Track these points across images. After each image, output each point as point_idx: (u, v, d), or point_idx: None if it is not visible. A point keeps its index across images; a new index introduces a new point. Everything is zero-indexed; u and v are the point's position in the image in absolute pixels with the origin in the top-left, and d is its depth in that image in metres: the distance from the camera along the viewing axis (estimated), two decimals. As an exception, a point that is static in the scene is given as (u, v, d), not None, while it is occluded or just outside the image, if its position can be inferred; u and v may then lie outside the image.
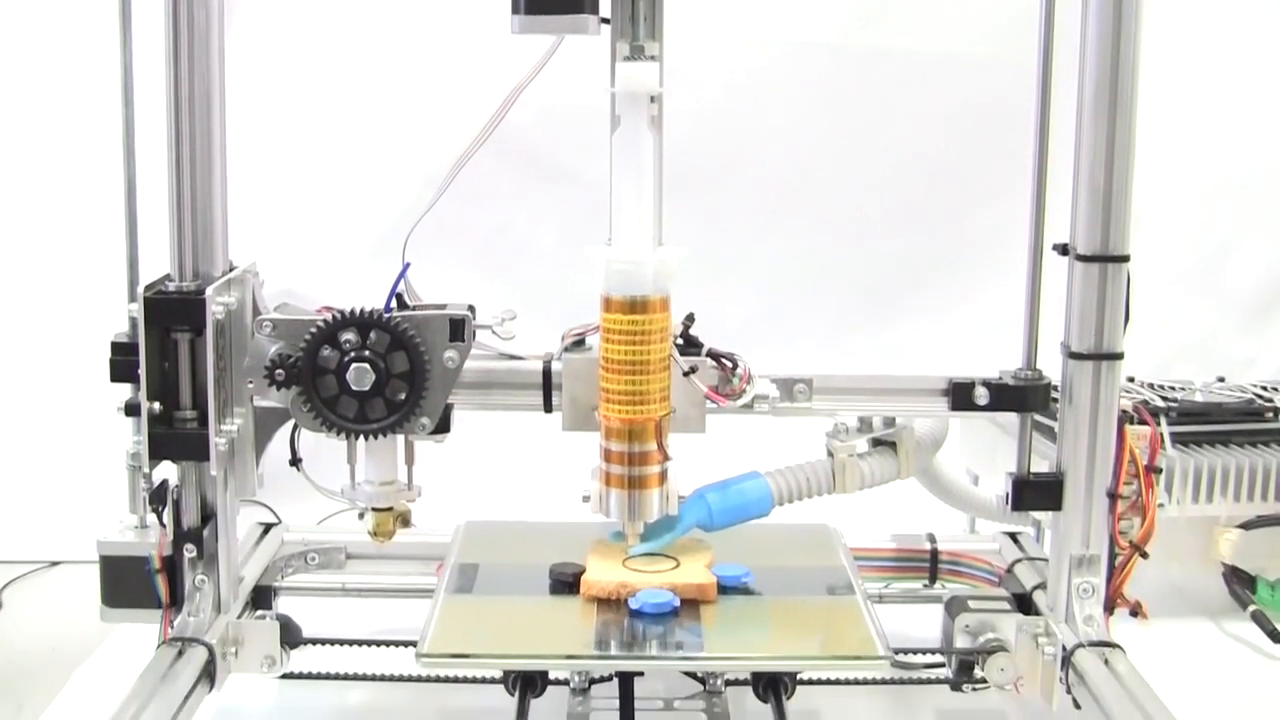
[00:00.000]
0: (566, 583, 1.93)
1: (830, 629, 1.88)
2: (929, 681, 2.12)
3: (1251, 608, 2.39)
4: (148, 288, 1.84)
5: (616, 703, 1.87)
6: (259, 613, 2.07)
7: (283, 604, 2.15)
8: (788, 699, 1.91)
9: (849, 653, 1.83)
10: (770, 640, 1.87)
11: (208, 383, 1.83)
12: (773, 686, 1.92)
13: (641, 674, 1.96)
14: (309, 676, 2.07)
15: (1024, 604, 2.06)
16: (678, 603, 1.87)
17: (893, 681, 2.14)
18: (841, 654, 1.84)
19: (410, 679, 2.08)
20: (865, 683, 2.10)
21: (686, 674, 2.02)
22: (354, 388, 1.83)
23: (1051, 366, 1.97)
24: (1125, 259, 1.89)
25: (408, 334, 1.83)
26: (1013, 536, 2.28)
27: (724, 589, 1.92)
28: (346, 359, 1.82)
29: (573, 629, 1.85)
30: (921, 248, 3.13)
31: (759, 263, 3.11)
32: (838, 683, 2.08)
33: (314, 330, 1.83)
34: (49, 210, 2.99)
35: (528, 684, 1.93)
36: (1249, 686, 2.26)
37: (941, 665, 2.07)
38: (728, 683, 1.98)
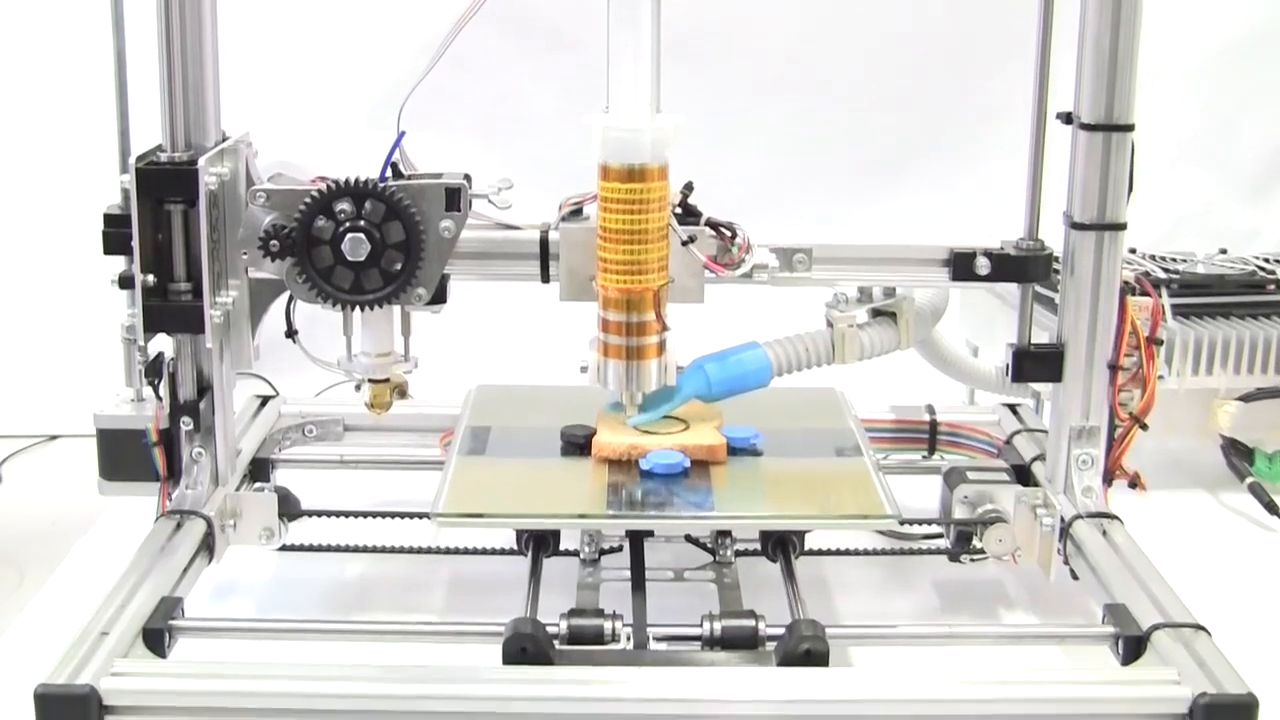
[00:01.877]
0: (578, 445, 1.95)
1: (839, 490, 1.89)
2: (927, 552, 2.13)
3: (1249, 480, 2.40)
4: (139, 158, 1.82)
5: (627, 573, 1.88)
6: (257, 485, 2.07)
7: (281, 476, 2.15)
8: (796, 559, 1.92)
9: (857, 512, 1.84)
10: (779, 500, 1.88)
11: (201, 254, 1.82)
12: (781, 546, 1.94)
13: (652, 533, 1.98)
14: (307, 549, 2.07)
15: (1023, 475, 2.06)
16: (688, 464, 1.88)
17: (891, 552, 2.15)
18: (850, 513, 1.86)
19: (408, 550, 2.08)
20: (864, 553, 2.11)
21: (696, 544, 2.03)
22: (349, 258, 1.81)
23: (1053, 237, 1.96)
24: (1130, 128, 1.88)
25: (403, 203, 1.81)
26: (1012, 408, 2.29)
27: (733, 450, 1.93)
28: (341, 229, 1.81)
29: (584, 490, 1.86)
30: (924, 116, 3.10)
31: (759, 131, 3.08)
32: (837, 552, 2.08)
33: (308, 200, 1.81)
34: (39, 80, 2.95)
35: (540, 544, 1.95)
36: (1245, 558, 2.27)
37: (939, 536, 2.08)
38: (737, 553, 1.99)
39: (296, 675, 1.60)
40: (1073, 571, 1.90)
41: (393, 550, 2.08)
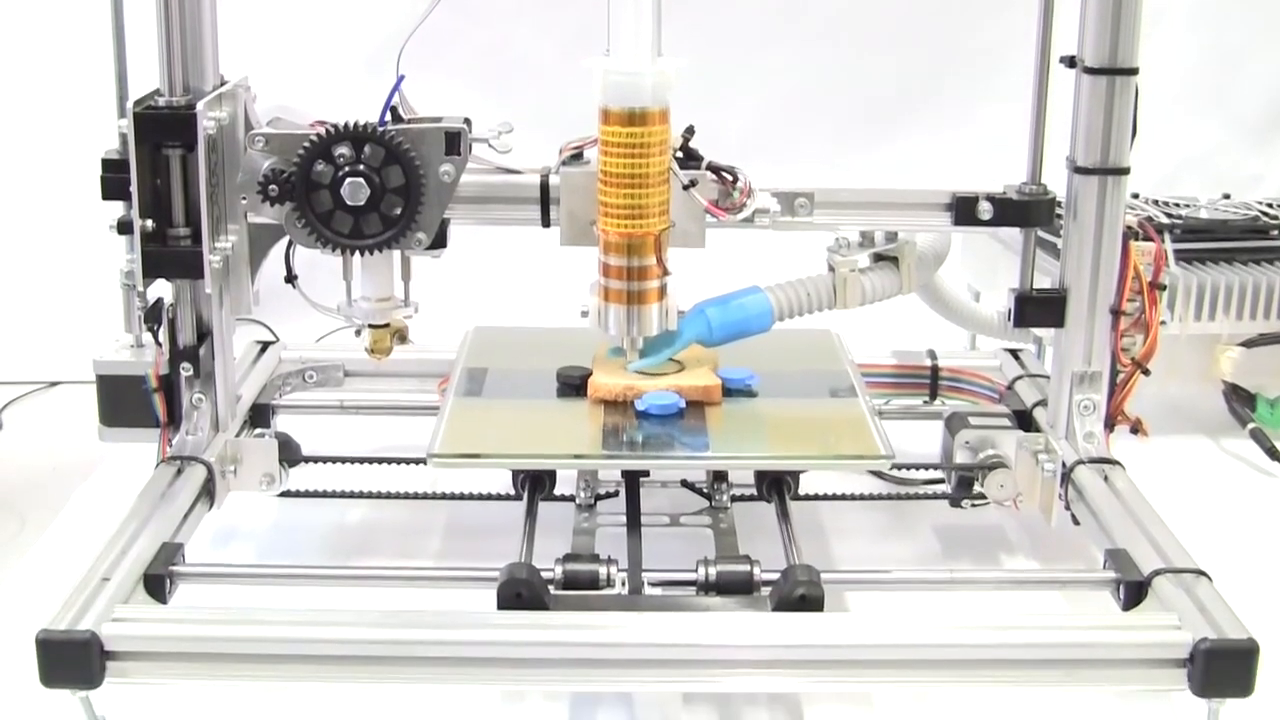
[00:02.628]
0: (573, 386, 1.94)
1: (833, 430, 1.88)
2: (928, 497, 2.13)
3: (1250, 425, 2.40)
4: (137, 103, 1.81)
5: (623, 519, 1.88)
6: (257, 431, 2.07)
7: (281, 422, 2.15)
8: (790, 499, 1.93)
9: (851, 453, 1.84)
10: (774, 441, 1.88)
11: (200, 199, 1.81)
12: (776, 487, 1.95)
13: (648, 474, 1.98)
14: (308, 494, 2.08)
15: (1024, 421, 2.06)
16: (683, 404, 1.88)
17: (892, 496, 2.15)
18: (845, 454, 1.85)
19: (409, 496, 2.09)
20: (865, 497, 2.11)
21: (692, 489, 2.03)
22: (349, 203, 1.80)
23: (1056, 181, 1.94)
24: (1134, 71, 1.86)
25: (403, 147, 1.80)
26: (1014, 353, 2.28)
27: (729, 392, 1.92)
28: (341, 173, 1.79)
29: (580, 430, 1.86)
30: (926, 61, 3.08)
31: (760, 75, 3.06)
32: (838, 497, 2.08)
33: (307, 145, 1.80)
34: (37, 24, 2.94)
35: (536, 485, 1.95)
36: (1246, 503, 2.27)
37: (941, 481, 2.09)
38: (733, 498, 1.98)
39: (296, 621, 1.60)
40: (1074, 516, 1.90)
41: (392, 496, 2.08)
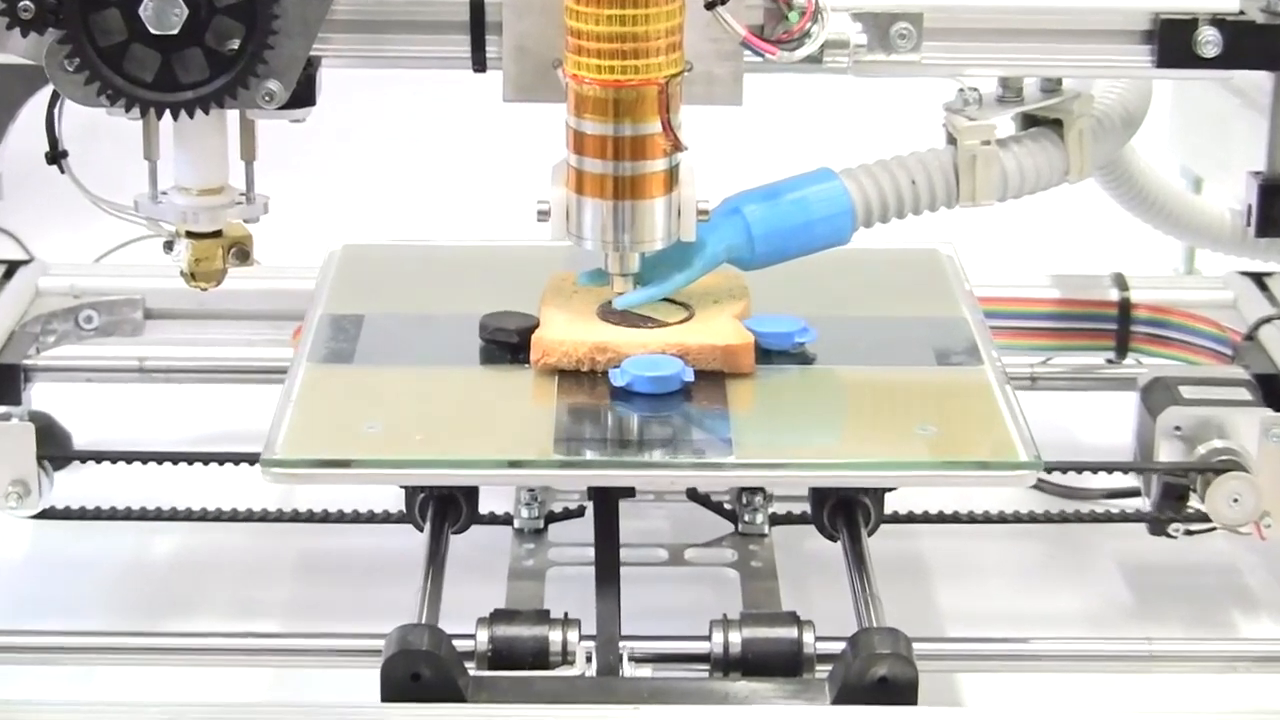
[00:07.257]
0: (508, 344, 1.95)
1: (940, 420, 1.87)
2: (1112, 519, 2.15)
3: None
4: None
5: (589, 553, 1.90)
6: (1, 410, 2.08)
7: (40, 395, 2.18)
8: (868, 533, 1.95)
9: (970, 458, 1.83)
10: (839, 438, 1.89)
11: (-97, 24, 1.84)
12: (845, 513, 1.97)
13: (631, 493, 2.01)
14: (85, 515, 2.09)
15: (1274, 392, 2.08)
16: (690, 376, 1.89)
17: (1052, 518, 2.16)
18: (957, 460, 1.83)
19: (252, 517, 2.09)
20: (1005, 519, 2.12)
21: (706, 505, 2.06)
22: (153, 30, 1.80)
23: (1331, -6, 1.96)
24: None
25: (241, -59, 1.82)
26: (1258, 279, 2.31)
27: (767, 353, 1.94)
28: (139, -17, 1.82)
29: (518, 420, 1.87)
30: None
31: None
32: (955, 519, 2.09)
33: (83, -65, 1.82)
34: None
35: (445, 509, 1.97)
36: None
37: (1134, 493, 2.13)
38: (774, 520, 2.01)
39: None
40: (1357, 552, 1.94)
41: (224, 517, 2.09)
